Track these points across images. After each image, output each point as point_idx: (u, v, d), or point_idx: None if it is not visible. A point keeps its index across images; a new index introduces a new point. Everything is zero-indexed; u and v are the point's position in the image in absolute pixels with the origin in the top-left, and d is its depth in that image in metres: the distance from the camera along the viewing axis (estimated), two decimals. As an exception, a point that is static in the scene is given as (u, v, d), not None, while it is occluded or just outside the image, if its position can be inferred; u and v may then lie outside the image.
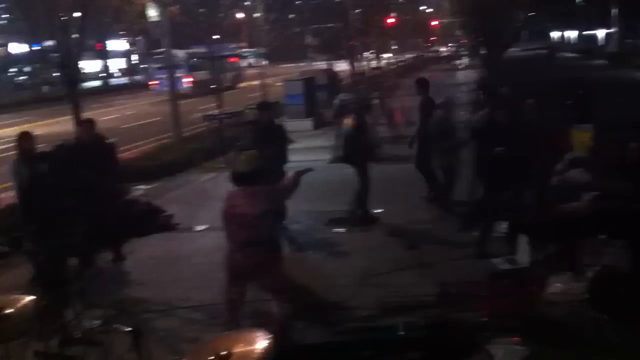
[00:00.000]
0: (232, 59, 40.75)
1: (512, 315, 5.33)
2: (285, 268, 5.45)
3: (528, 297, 5.49)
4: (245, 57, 57.94)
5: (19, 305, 4.12)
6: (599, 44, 55.45)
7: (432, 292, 6.07)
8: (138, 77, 46.88)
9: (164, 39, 17.79)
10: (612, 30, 49.49)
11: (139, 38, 49.40)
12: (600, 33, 57.29)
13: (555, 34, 74.42)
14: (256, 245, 5.11)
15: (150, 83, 33.71)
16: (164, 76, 22.68)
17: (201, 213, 9.86)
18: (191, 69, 33.19)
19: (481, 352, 4.43)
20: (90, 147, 8.02)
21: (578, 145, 8.52)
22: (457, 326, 4.55)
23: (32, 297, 4.19)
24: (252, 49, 50.53)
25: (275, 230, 5.51)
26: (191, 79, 30.24)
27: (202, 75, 31.00)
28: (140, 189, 11.81)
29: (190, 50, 33.41)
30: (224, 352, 3.36)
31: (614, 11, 45.38)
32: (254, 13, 55.73)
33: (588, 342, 5.20)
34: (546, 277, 6.10)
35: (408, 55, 55.22)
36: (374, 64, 34.44)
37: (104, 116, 23.86)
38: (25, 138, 7.50)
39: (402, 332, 4.29)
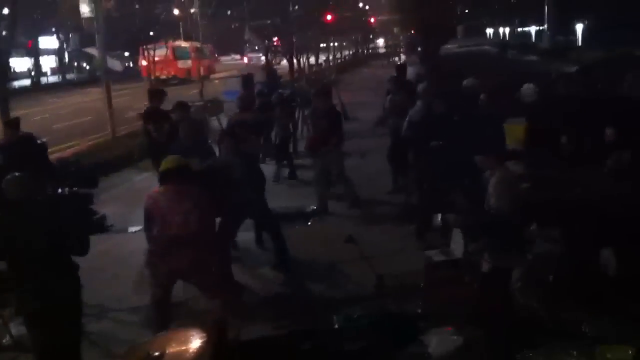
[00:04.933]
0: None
1: (446, 306, 5.40)
2: (219, 266, 5.40)
3: (462, 288, 5.57)
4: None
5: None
6: (532, 40, 56.94)
7: (369, 284, 6.11)
8: (70, 76, 45.59)
9: (98, 35, 17.29)
10: (544, 27, 50.86)
11: (72, 35, 48.15)
12: (533, 29, 58.81)
13: (489, 30, 75.97)
14: (181, 245, 5.06)
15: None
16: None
17: (136, 214, 9.67)
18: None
19: (416, 342, 4.47)
20: (18, 146, 7.79)
21: (512, 139, 8.71)
22: (393, 317, 4.57)
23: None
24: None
25: (207, 229, 5.43)
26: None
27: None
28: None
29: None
30: (157, 354, 3.30)
31: (546, 8, 46.69)
32: (190, 8, 54.94)
33: (519, 329, 5.31)
34: (479, 268, 6.21)
35: (347, 52, 55.53)
36: (313, 60, 34.48)
37: (35, 115, 23.17)
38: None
39: (340, 325, 4.28)
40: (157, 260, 5.24)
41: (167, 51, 37.69)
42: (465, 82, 8.99)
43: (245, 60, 51.59)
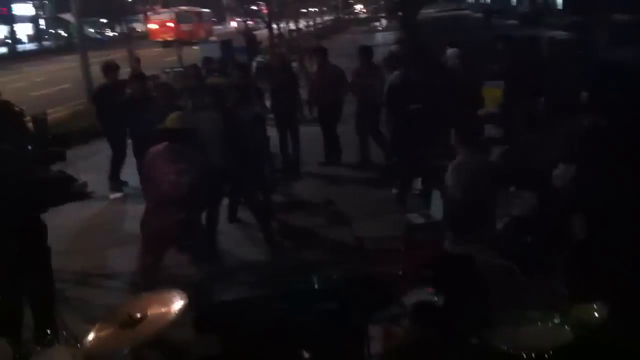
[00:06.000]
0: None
1: (426, 267, 5.48)
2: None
3: (441, 249, 5.66)
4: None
5: None
6: (511, 4, 56.70)
7: (350, 248, 6.19)
8: (47, 43, 44.81)
9: (72, 1, 16.98)
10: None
11: (46, 1, 47.15)
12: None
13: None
14: (179, 205, 5.10)
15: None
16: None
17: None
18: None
19: (396, 303, 4.54)
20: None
21: (490, 102, 8.79)
22: (373, 279, 4.63)
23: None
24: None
25: (200, 189, 5.49)
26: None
27: None
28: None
29: None
30: (138, 315, 3.33)
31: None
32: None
33: (499, 290, 5.41)
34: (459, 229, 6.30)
35: (327, 18, 55.04)
36: (292, 25, 34.21)
37: (11, 84, 22.81)
38: None
39: (318, 285, 4.33)
40: (153, 220, 5.25)
41: (171, 15, 42.59)
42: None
43: (234, 24, 51.36)
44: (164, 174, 5.15)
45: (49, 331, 4.71)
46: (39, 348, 3.77)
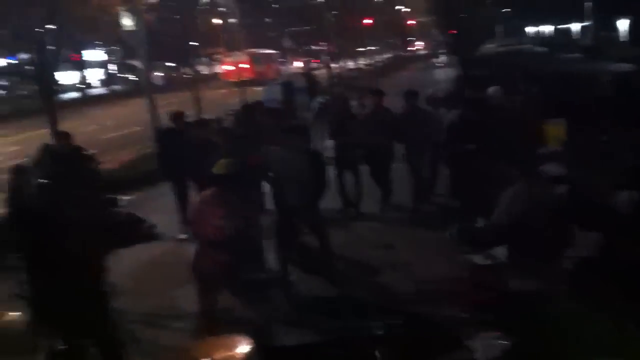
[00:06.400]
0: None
1: (491, 310, 5.40)
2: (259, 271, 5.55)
3: (507, 291, 5.57)
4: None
5: (3, 320, 4.16)
6: (574, 37, 55.77)
7: (411, 290, 6.16)
8: (117, 87, 46.66)
9: (140, 47, 17.67)
10: (586, 23, 49.80)
11: (115, 47, 49.17)
12: (575, 27, 57.53)
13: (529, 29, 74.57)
14: (223, 249, 5.23)
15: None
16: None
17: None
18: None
19: (461, 347, 4.49)
20: (68, 157, 8.12)
21: (551, 139, 8.66)
22: (437, 323, 4.61)
23: (17, 314, 4.23)
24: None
25: (250, 232, 5.64)
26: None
27: None
28: (121, 200, 11.74)
29: None
30: (205, 359, 3.43)
31: (588, 4, 45.78)
32: (230, 18, 55.80)
33: (567, 332, 5.28)
34: (523, 270, 6.19)
35: (386, 55, 55.36)
36: (351, 64, 34.60)
37: (83, 127, 23.76)
38: None
39: (381, 331, 4.33)
40: (201, 263, 5.42)
41: (246, 57, 45.96)
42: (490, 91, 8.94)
43: (301, 64, 52.91)
44: (209, 219, 5.34)
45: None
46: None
